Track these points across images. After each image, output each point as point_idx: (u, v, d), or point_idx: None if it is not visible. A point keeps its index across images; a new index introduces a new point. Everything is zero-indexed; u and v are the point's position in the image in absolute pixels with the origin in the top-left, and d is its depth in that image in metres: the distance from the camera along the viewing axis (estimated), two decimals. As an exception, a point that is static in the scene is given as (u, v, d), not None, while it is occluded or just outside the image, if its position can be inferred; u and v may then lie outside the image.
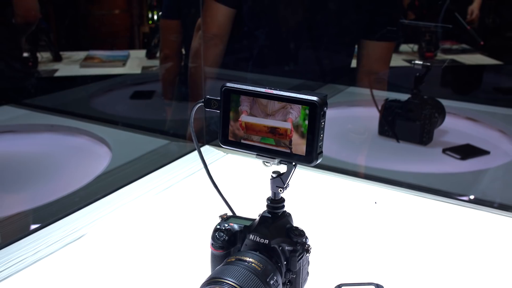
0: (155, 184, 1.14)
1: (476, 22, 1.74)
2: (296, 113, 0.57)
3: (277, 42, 1.65)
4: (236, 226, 0.67)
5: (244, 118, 0.60)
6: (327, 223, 0.96)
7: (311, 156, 0.57)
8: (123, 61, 2.05)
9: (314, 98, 0.56)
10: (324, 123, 0.57)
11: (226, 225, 0.68)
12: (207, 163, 0.70)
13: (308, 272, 0.68)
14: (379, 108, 1.51)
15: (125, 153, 1.40)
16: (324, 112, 0.57)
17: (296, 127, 0.58)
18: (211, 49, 1.56)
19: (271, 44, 1.64)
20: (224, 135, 0.62)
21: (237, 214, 0.72)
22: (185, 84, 1.71)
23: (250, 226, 0.66)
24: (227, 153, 1.30)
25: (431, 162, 1.40)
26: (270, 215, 0.65)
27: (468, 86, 1.92)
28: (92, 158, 1.42)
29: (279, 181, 0.62)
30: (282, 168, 0.62)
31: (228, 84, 0.61)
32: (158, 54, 2.03)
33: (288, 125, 0.58)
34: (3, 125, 1.48)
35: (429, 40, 1.86)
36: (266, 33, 1.62)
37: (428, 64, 1.39)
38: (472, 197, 1.16)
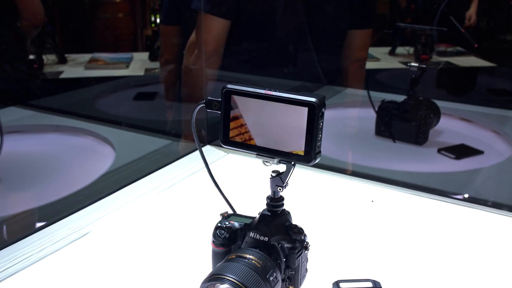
0: (158, 183, 1.15)
1: (473, 27, 1.76)
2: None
3: (273, 46, 1.66)
4: (236, 224, 0.68)
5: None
6: (325, 221, 0.97)
7: (310, 156, 0.58)
8: (127, 63, 2.05)
9: (313, 99, 0.57)
10: (322, 124, 0.58)
11: (227, 223, 0.68)
12: (208, 163, 0.70)
13: (306, 269, 0.69)
14: (376, 109, 1.53)
15: (129, 153, 1.41)
16: (322, 113, 0.58)
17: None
18: (210, 66, 1.56)
19: (267, 48, 1.66)
20: (225, 135, 0.63)
21: (238, 212, 0.73)
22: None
23: (250, 224, 0.67)
24: (227, 153, 1.31)
25: (427, 161, 1.41)
26: (269, 213, 0.66)
27: (463, 87, 1.93)
28: (96, 158, 1.43)
29: (279, 180, 0.63)
30: (282, 168, 0.63)
31: (229, 86, 0.62)
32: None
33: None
34: (10, 125, 1.48)
35: (425, 43, 1.86)
36: (263, 39, 1.64)
37: (424, 66, 1.40)
38: (466, 195, 1.17)
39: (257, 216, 0.67)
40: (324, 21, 1.65)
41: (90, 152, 1.48)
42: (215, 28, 1.54)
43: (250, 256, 0.62)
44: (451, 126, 1.64)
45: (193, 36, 1.58)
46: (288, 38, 1.66)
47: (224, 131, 0.63)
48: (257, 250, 0.64)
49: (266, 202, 0.66)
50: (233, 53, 1.63)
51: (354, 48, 1.72)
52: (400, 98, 1.50)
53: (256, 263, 0.61)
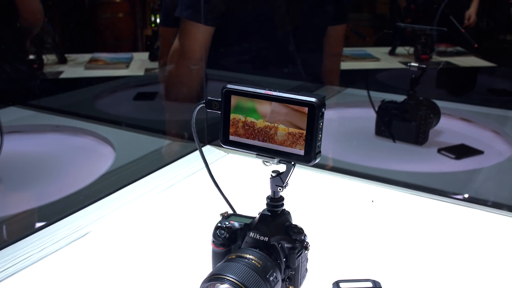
0: (158, 183, 1.15)
1: (472, 26, 1.77)
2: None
3: (261, 47, 1.68)
4: (236, 224, 0.68)
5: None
6: (325, 221, 0.97)
7: (310, 156, 0.58)
8: (127, 63, 2.04)
9: (313, 99, 0.57)
10: (322, 124, 0.58)
11: (227, 223, 0.68)
12: (208, 163, 0.70)
13: (306, 269, 0.69)
14: (376, 109, 1.53)
15: (129, 153, 1.41)
16: (322, 113, 0.58)
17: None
18: (197, 76, 1.55)
19: (257, 49, 1.67)
20: (225, 135, 0.63)
21: (238, 212, 0.73)
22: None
23: (250, 224, 0.67)
24: (227, 153, 1.31)
25: (427, 161, 1.41)
26: (269, 213, 0.66)
27: (463, 87, 1.93)
28: (96, 158, 1.43)
29: (279, 180, 0.63)
30: (282, 168, 0.63)
31: (229, 86, 0.61)
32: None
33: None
34: (10, 125, 1.48)
35: (425, 43, 1.87)
36: (253, 41, 1.65)
37: (424, 66, 1.40)
38: (466, 195, 1.17)
39: (257, 216, 0.67)
40: (304, 20, 1.67)
41: (90, 152, 1.48)
42: (198, 36, 1.53)
43: (250, 256, 0.62)
44: (451, 126, 1.64)
45: (175, 44, 1.55)
46: (274, 39, 1.67)
47: (224, 131, 0.63)
48: (257, 250, 0.64)
49: (266, 202, 0.66)
50: (225, 53, 1.62)
51: (331, 44, 1.76)
52: (400, 98, 1.50)
53: (256, 263, 0.61)
